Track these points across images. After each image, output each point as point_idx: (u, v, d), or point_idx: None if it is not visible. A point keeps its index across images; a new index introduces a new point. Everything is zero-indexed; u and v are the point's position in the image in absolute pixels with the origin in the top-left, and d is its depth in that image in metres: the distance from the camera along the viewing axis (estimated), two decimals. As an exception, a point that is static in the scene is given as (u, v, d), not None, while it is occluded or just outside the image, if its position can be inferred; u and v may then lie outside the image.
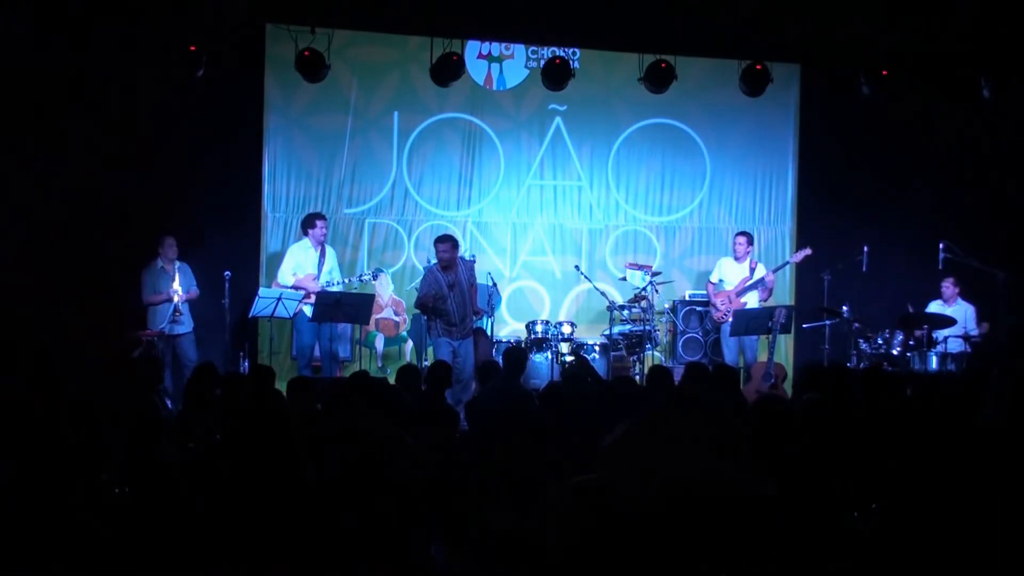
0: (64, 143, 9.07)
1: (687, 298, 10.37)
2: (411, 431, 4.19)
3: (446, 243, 8.53)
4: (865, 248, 9.47)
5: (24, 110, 8.74)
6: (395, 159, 10.33)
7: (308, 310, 8.75)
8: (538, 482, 3.07)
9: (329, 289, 8.80)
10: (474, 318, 8.79)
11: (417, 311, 8.85)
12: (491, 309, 9.27)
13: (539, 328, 9.53)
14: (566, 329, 9.57)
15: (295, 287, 8.84)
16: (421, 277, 8.92)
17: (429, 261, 9.11)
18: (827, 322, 9.43)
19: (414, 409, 5.33)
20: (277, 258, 10.01)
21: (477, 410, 6.05)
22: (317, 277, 8.96)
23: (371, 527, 3.39)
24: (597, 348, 9.53)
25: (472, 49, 10.33)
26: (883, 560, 3.20)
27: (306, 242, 9.13)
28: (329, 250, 9.29)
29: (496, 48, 10.51)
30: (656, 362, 9.45)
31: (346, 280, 9.19)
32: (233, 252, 9.52)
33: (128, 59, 8.97)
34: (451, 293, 8.43)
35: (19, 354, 8.44)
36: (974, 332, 9.34)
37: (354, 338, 9.71)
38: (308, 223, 9.15)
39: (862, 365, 9.09)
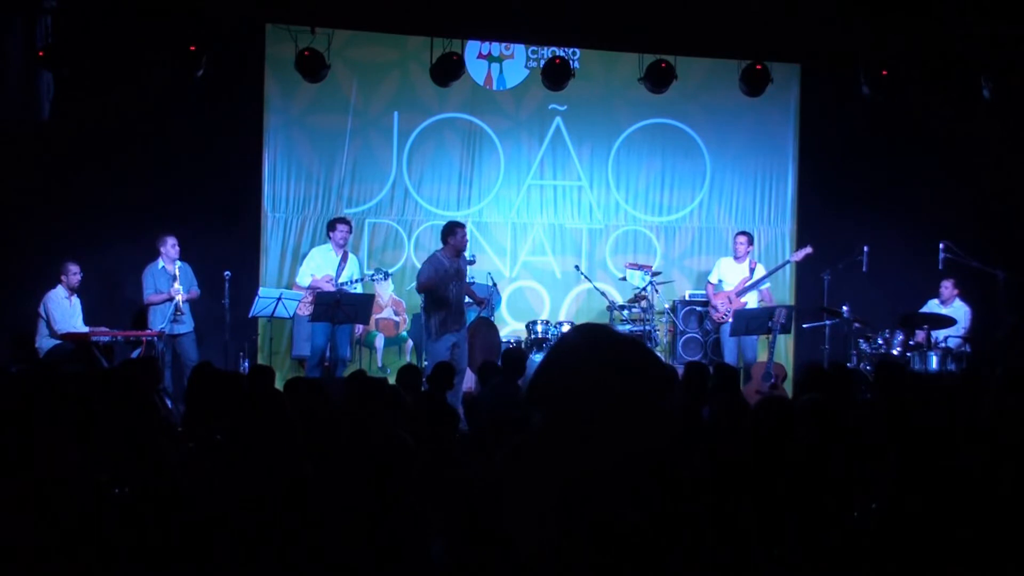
0: (63, 143, 9.10)
1: (687, 298, 10.36)
2: (411, 431, 4.19)
3: (465, 228, 8.31)
4: (865, 248, 9.47)
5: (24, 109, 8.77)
6: (395, 159, 10.32)
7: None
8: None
9: (346, 290, 8.79)
10: (477, 307, 8.74)
11: (419, 309, 8.64)
12: (491, 309, 9.28)
13: (539, 328, 9.53)
14: (566, 329, 9.57)
15: (311, 287, 8.86)
16: (423, 265, 8.42)
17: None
18: (827, 322, 9.42)
19: (414, 409, 5.33)
20: (277, 258, 10.04)
21: (477, 410, 6.06)
22: (333, 279, 8.94)
23: (370, 527, 3.39)
24: (597, 348, 9.50)
25: (472, 49, 10.33)
26: (883, 559, 3.20)
27: (328, 245, 9.16)
28: (352, 256, 9.30)
29: (496, 48, 10.50)
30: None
31: (361, 279, 9.16)
32: (233, 252, 9.52)
33: (128, 59, 8.98)
34: (455, 281, 8.18)
35: (22, 352, 8.48)
36: (966, 333, 9.35)
37: (354, 338, 9.71)
38: (330, 227, 9.19)
39: (862, 365, 9.10)
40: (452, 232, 8.19)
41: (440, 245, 8.31)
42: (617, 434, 1.76)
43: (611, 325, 7.87)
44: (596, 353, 1.82)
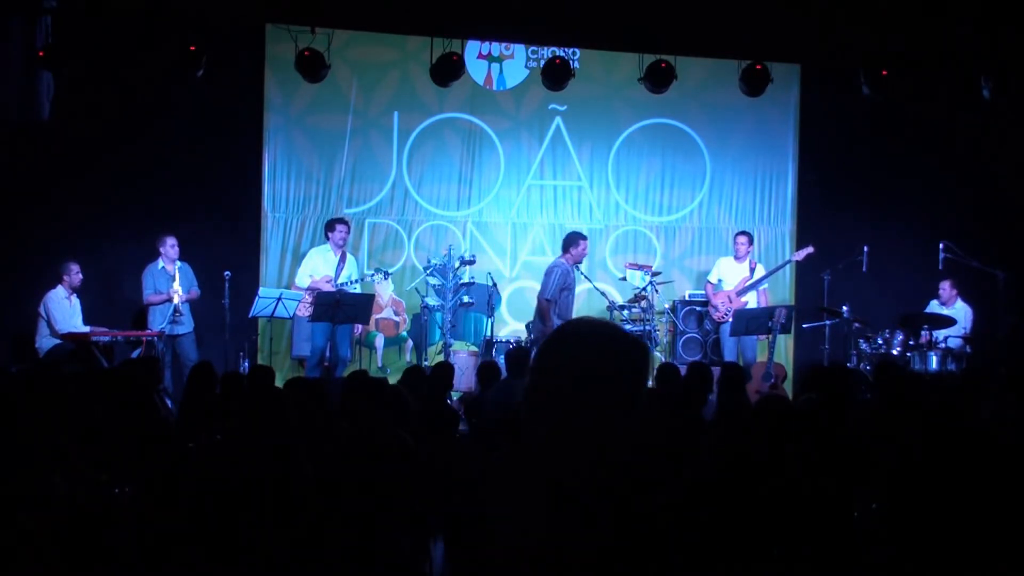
0: (63, 143, 9.10)
1: (687, 298, 10.36)
2: (411, 431, 4.19)
3: (587, 240, 8.61)
4: (865, 248, 9.47)
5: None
6: (395, 159, 10.32)
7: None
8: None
9: (346, 290, 8.78)
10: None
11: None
12: (491, 309, 9.27)
13: (539, 328, 9.51)
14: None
15: (310, 289, 8.84)
16: (549, 271, 8.66)
17: (429, 261, 9.09)
18: (827, 322, 9.43)
19: (415, 410, 5.33)
20: (277, 258, 10.05)
21: (481, 410, 6.05)
22: (332, 280, 8.93)
23: (371, 526, 3.39)
24: (597, 348, 9.47)
25: (472, 49, 10.33)
26: (883, 559, 3.20)
27: (326, 246, 9.15)
28: (350, 257, 9.29)
29: (496, 48, 10.50)
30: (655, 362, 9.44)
31: (360, 279, 9.14)
32: (233, 252, 9.52)
33: (128, 59, 8.98)
34: (570, 290, 8.47)
35: (23, 352, 8.48)
36: (967, 333, 9.35)
37: (354, 338, 9.70)
38: (328, 227, 9.17)
39: (862, 365, 9.09)
40: (575, 243, 8.58)
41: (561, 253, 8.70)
42: (598, 438, 1.78)
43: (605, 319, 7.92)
44: (571, 362, 1.85)
